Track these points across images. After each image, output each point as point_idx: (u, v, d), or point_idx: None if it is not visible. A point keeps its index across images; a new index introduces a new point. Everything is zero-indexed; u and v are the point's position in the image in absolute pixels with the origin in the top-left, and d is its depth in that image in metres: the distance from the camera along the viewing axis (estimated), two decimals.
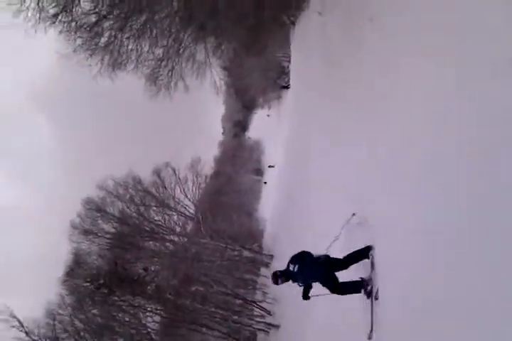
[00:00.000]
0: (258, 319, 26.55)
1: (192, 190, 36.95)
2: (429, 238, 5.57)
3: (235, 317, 25.60)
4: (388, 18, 9.75)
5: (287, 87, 46.43)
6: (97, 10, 18.16)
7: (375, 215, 8.14)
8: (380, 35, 10.06)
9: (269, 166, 40.07)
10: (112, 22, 18.95)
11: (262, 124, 66.30)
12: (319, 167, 16.48)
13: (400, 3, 9.22)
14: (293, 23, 35.54)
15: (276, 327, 23.04)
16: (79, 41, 19.07)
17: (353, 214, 8.83)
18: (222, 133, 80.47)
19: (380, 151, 8.68)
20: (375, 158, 8.91)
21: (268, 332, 24.73)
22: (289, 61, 43.70)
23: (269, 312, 25.82)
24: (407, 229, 6.53)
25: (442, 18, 6.63)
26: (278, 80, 50.39)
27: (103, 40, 19.46)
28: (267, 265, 31.36)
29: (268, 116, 60.30)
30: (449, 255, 4.95)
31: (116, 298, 24.70)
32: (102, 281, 21.93)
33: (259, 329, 25.98)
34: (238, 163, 59.74)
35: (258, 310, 27.48)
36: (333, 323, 10.17)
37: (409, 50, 7.92)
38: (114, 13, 18.56)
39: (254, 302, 28.64)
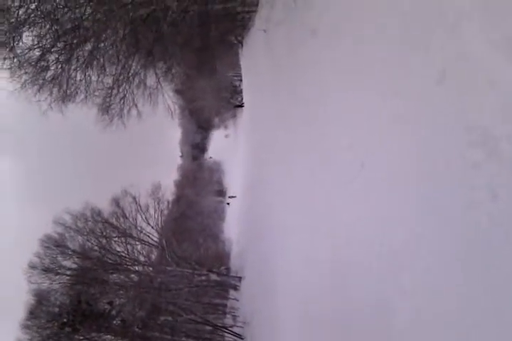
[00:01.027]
0: None
1: (154, 217, 36.23)
2: None
3: None
4: (330, 28, 10.00)
5: (241, 106, 46.64)
6: (40, 44, 17.82)
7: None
8: (323, 46, 10.35)
9: (230, 197, 40.05)
10: (57, 54, 18.64)
11: (220, 145, 66.38)
12: (278, 183, 16.50)
13: (341, 14, 9.45)
14: (240, 42, 36.04)
15: None
16: (25, 77, 18.70)
17: None
18: (181, 157, 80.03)
19: (331, 164, 8.82)
20: (328, 169, 9.00)
21: None
22: (241, 80, 44.11)
23: (240, 337, 25.39)
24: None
25: (381, 28, 6.82)
26: (231, 99, 50.76)
27: (50, 73, 19.12)
28: (235, 287, 30.97)
29: (226, 136, 60.30)
30: None
31: (81, 337, 23.75)
32: (65, 320, 21.00)
33: None
34: (199, 185, 59.44)
35: (229, 335, 26.97)
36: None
37: (350, 61, 8.10)
38: (59, 46, 18.26)
39: (225, 327, 28.13)
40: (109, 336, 25.48)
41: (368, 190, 6.61)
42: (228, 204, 49.52)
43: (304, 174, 11.46)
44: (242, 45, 36.14)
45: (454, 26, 4.66)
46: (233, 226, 41.89)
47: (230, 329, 27.32)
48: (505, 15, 3.96)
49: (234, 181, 47.92)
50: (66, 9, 17.61)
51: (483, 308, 3.59)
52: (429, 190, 4.68)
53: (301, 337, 10.94)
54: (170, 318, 25.48)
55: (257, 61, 25.27)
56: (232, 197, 39.10)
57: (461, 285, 3.93)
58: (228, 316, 31.37)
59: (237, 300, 29.66)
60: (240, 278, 30.17)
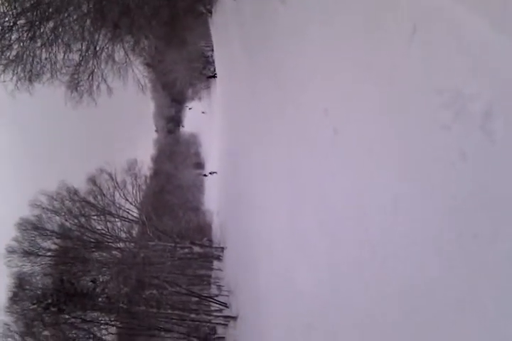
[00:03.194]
0: (216, 313, 26.64)
1: (132, 193, 36.18)
2: None
3: (193, 316, 25.50)
4: None
5: (214, 76, 45.94)
6: None
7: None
8: (291, 15, 10.24)
9: (211, 173, 39.87)
10: (19, 33, 18.00)
11: (195, 116, 65.75)
12: (256, 153, 16.54)
13: None
14: (210, 12, 35.28)
15: (234, 318, 23.19)
16: None
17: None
18: (156, 131, 79.17)
19: (305, 138, 8.89)
20: (304, 137, 9.08)
21: (227, 325, 24.88)
22: (212, 50, 43.32)
23: (226, 305, 25.94)
24: None
25: None
26: (204, 70, 49.95)
27: (13, 52, 18.50)
28: (218, 258, 31.42)
29: (203, 113, 59.29)
30: None
31: (67, 316, 23.96)
32: (49, 301, 21.10)
33: (218, 324, 26.09)
34: (177, 159, 59.18)
35: (215, 304, 27.54)
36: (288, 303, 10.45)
37: (320, 28, 8.07)
38: (20, 24, 17.62)
39: (210, 297, 28.68)
40: (95, 313, 25.81)
41: (343, 159, 6.67)
42: (205, 175, 49.52)
43: (281, 142, 11.51)
44: (211, 15, 35.36)
45: None
46: (213, 198, 42.11)
47: (215, 298, 27.87)
48: None
49: (211, 153, 47.81)
50: None
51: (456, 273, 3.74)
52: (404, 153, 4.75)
53: (283, 303, 11.24)
54: (155, 292, 25.84)
55: (227, 30, 24.81)
56: (213, 172, 38.98)
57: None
58: (213, 286, 31.92)
59: (221, 270, 30.15)
60: (222, 249, 30.57)
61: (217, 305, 27.11)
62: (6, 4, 16.11)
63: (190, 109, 63.19)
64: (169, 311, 24.59)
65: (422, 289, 4.18)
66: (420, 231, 4.31)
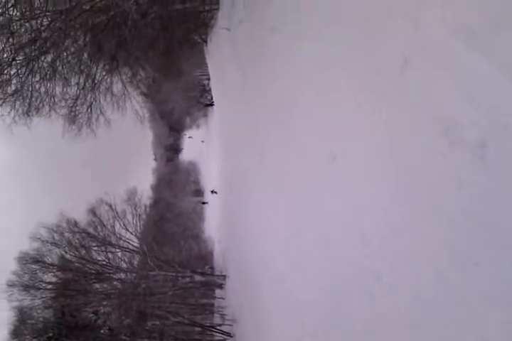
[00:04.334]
0: None
1: (133, 223, 36.06)
2: None
3: None
4: (288, 25, 10.18)
5: (212, 104, 46.47)
6: None
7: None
8: (282, 42, 10.54)
9: (212, 192, 39.73)
10: (17, 68, 18.36)
11: (194, 144, 66.08)
12: (254, 178, 16.60)
13: (297, 9, 9.60)
14: (205, 41, 35.89)
15: None
16: None
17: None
18: (155, 160, 79.48)
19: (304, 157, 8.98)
20: (301, 161, 9.16)
21: None
22: (209, 78, 43.93)
23: (229, 334, 25.52)
24: None
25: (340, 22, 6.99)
26: (201, 99, 50.60)
27: (12, 87, 18.85)
28: (220, 286, 31.06)
29: (202, 142, 59.22)
30: None
31: None
32: (50, 334, 20.82)
33: None
34: (176, 187, 59.23)
35: (218, 334, 27.09)
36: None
37: (311, 53, 8.27)
38: (18, 59, 17.99)
39: (213, 326, 28.22)
40: None
41: (341, 184, 6.75)
42: (204, 203, 49.36)
43: (279, 166, 11.59)
44: (206, 44, 35.99)
45: (414, 15, 4.77)
46: (213, 225, 41.90)
47: (218, 328, 27.44)
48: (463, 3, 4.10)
49: (210, 180, 47.82)
50: (22, 21, 17.35)
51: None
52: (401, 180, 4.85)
53: (287, 332, 11.12)
54: (157, 323, 25.49)
55: (222, 59, 25.24)
56: (214, 192, 38.66)
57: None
58: (216, 315, 31.40)
59: (224, 299, 29.76)
60: (224, 277, 30.26)
61: (221, 335, 26.68)
62: (5, 39, 16.39)
63: (190, 137, 63.32)
64: None
65: (423, 306, 4.22)
66: (419, 258, 4.38)
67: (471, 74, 3.85)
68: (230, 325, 25.62)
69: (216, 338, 27.13)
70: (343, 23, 6.74)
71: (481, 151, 3.58)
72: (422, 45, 4.59)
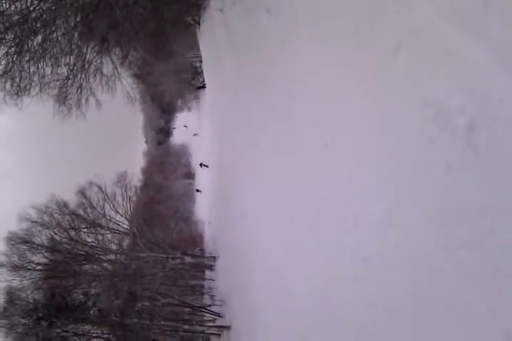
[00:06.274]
0: (209, 324, 26.55)
1: (123, 205, 36.01)
2: None
3: (186, 327, 25.39)
4: (284, 7, 10.10)
5: (203, 87, 46.00)
6: None
7: None
8: (277, 25, 10.46)
9: (202, 165, 39.35)
10: (6, 48, 18.05)
11: (186, 130, 65.68)
12: (245, 158, 16.63)
13: None
14: (197, 23, 35.36)
15: (228, 328, 23.13)
16: None
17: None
18: (146, 142, 79.01)
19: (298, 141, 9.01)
20: (295, 145, 9.19)
21: (220, 335, 24.81)
22: (201, 60, 43.45)
23: (219, 315, 25.87)
24: None
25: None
26: (193, 81, 50.07)
27: (1, 67, 18.55)
28: (210, 267, 31.33)
29: (195, 135, 58.40)
30: None
31: (58, 330, 23.72)
32: (40, 314, 20.92)
33: (212, 334, 25.99)
34: (167, 169, 59.06)
35: (208, 314, 27.45)
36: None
37: (307, 38, 8.24)
38: (7, 39, 17.67)
39: (203, 307, 28.54)
40: (87, 326, 25.55)
41: (335, 170, 6.78)
42: (198, 191, 49.29)
43: (271, 150, 11.62)
44: (199, 25, 35.51)
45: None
46: (204, 208, 42.01)
47: (208, 308, 27.77)
48: None
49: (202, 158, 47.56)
50: (11, 0, 17.04)
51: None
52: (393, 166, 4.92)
53: (276, 313, 11.27)
54: (147, 303, 25.71)
55: (215, 41, 24.98)
56: (204, 165, 38.29)
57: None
58: (206, 296, 31.75)
59: (214, 280, 30.06)
60: (214, 258, 30.51)
61: (211, 315, 27.03)
62: None
63: (185, 126, 62.44)
64: (162, 323, 24.46)
65: (415, 300, 4.32)
66: (410, 242, 4.46)
67: (462, 59, 3.87)
68: (219, 305, 25.95)
69: (206, 318, 27.48)
70: (338, 8, 6.73)
71: (471, 136, 3.63)
72: (414, 28, 4.59)
